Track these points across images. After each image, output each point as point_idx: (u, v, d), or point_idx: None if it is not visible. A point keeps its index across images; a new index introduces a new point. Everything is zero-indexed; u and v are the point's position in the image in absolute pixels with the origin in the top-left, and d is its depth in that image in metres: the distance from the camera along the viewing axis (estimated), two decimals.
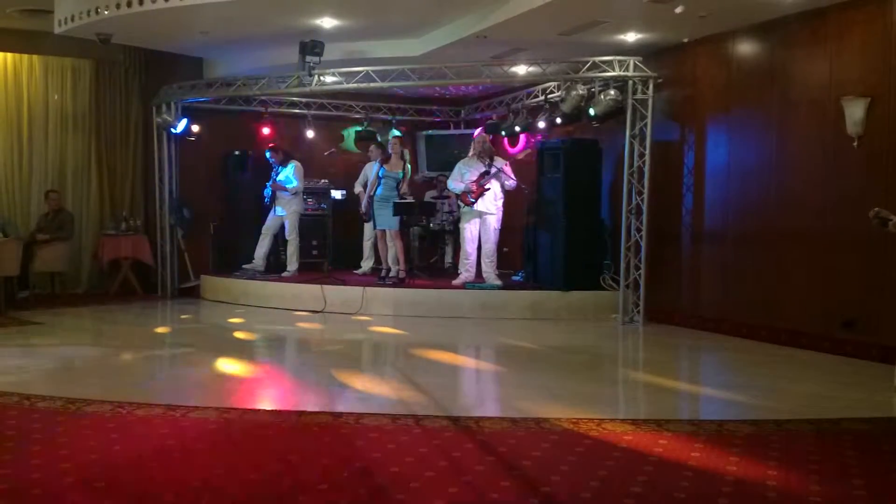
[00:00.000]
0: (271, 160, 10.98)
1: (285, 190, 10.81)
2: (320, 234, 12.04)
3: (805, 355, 7.32)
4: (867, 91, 7.01)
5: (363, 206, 10.97)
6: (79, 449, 4.15)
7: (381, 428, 4.67)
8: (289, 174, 10.85)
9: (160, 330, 9.32)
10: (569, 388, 6.08)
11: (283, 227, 11.01)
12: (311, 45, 9.17)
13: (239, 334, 8.71)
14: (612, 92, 9.01)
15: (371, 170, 10.95)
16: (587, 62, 9.01)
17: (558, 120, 9.93)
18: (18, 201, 11.06)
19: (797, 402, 5.62)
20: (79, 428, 4.55)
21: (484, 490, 3.68)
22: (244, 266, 10.99)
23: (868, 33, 7.06)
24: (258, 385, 6.25)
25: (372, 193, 10.20)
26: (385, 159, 10.27)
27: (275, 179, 10.84)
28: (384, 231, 10.29)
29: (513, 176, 9.89)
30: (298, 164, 10.96)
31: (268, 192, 10.92)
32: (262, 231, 11.01)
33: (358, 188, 11.17)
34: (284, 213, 10.88)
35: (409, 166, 10.45)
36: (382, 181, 10.12)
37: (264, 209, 11.10)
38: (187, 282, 11.59)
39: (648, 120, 8.94)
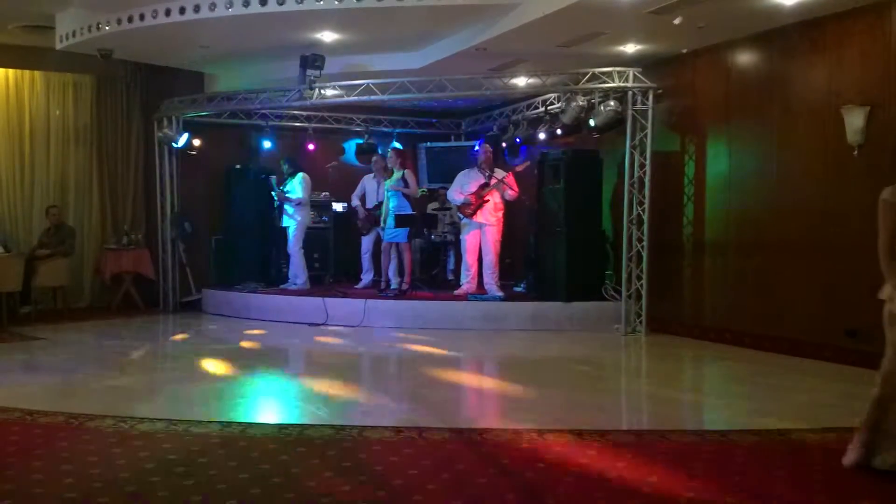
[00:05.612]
0: (284, 171, 11.04)
1: (290, 201, 10.84)
2: (322, 246, 12.05)
3: (808, 364, 7.30)
4: (867, 100, 7.02)
5: (360, 218, 11.03)
6: (81, 464, 4.14)
7: (383, 440, 4.66)
8: (294, 185, 10.89)
9: (161, 344, 9.32)
10: (571, 399, 6.08)
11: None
12: (312, 59, 9.22)
13: (242, 347, 8.70)
14: (611, 103, 9.03)
15: (369, 182, 11.00)
16: (587, 73, 9.04)
17: (559, 131, 9.97)
18: (20, 216, 11.07)
19: (801, 411, 5.60)
20: (81, 443, 4.54)
21: (487, 502, 3.66)
22: (283, 286, 11.01)
23: (867, 42, 7.08)
24: (260, 398, 6.23)
25: (382, 207, 10.29)
26: (388, 172, 10.33)
27: (282, 190, 10.89)
28: (390, 243, 10.32)
29: (515, 187, 9.89)
30: (305, 175, 10.98)
31: (277, 203, 11.04)
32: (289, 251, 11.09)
33: (355, 201, 11.20)
34: (291, 223, 10.91)
35: (408, 175, 10.46)
36: (389, 194, 10.18)
37: (267, 222, 11.14)
38: (189, 296, 11.59)
39: (648, 130, 8.96)
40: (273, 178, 10.97)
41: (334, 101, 10.37)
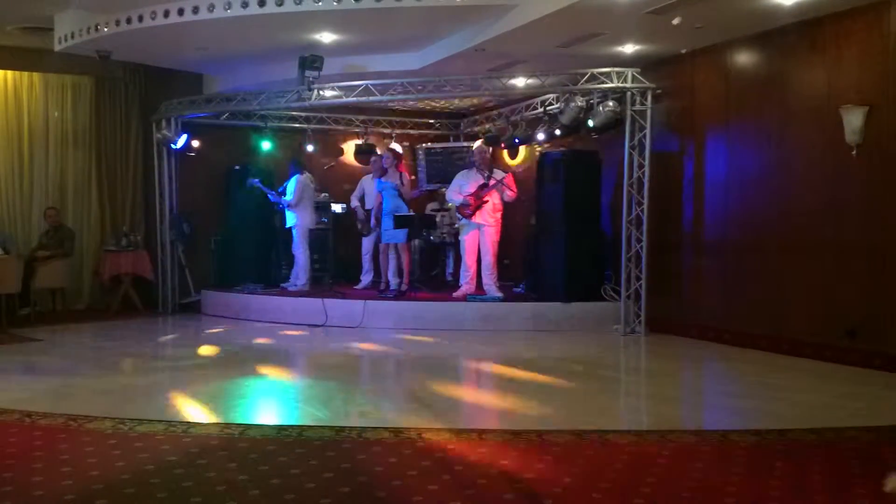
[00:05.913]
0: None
1: (282, 203, 10.89)
2: (321, 247, 12.06)
3: (807, 364, 7.30)
4: (865, 100, 7.02)
5: (360, 219, 11.03)
6: (81, 465, 4.14)
7: (382, 442, 4.66)
8: (289, 187, 10.92)
9: (160, 346, 9.31)
10: (571, 399, 6.08)
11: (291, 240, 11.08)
12: (311, 60, 9.21)
13: (241, 348, 8.69)
14: (610, 103, 9.03)
15: (367, 183, 11.00)
16: (586, 74, 9.04)
17: (557, 132, 9.96)
18: (19, 218, 11.07)
19: (800, 411, 5.60)
20: (80, 445, 4.54)
21: (487, 503, 3.66)
22: (283, 285, 11.09)
23: (865, 42, 7.08)
24: (259, 400, 6.23)
25: (378, 207, 10.28)
26: (383, 172, 10.33)
27: (279, 192, 10.93)
28: (388, 244, 10.30)
29: (514, 187, 9.88)
30: (301, 177, 10.97)
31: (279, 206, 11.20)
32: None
33: (354, 202, 11.20)
34: (290, 225, 10.92)
35: (404, 175, 10.45)
36: (384, 193, 10.15)
37: (266, 223, 11.16)
38: (188, 297, 11.58)
39: (647, 131, 8.96)
40: (257, 181, 10.96)
41: (333, 102, 10.37)
